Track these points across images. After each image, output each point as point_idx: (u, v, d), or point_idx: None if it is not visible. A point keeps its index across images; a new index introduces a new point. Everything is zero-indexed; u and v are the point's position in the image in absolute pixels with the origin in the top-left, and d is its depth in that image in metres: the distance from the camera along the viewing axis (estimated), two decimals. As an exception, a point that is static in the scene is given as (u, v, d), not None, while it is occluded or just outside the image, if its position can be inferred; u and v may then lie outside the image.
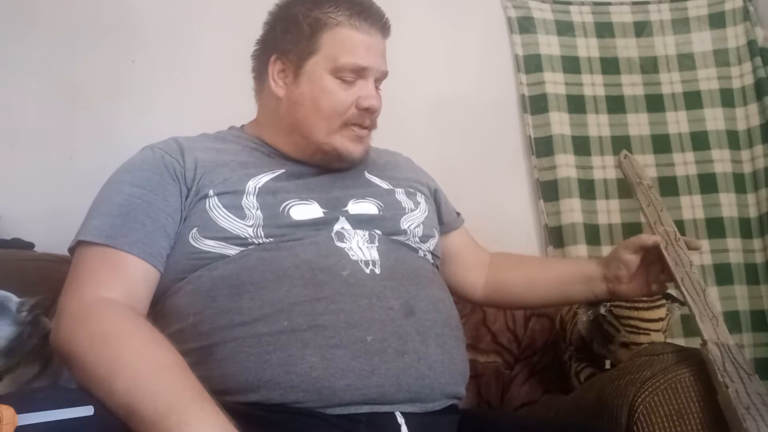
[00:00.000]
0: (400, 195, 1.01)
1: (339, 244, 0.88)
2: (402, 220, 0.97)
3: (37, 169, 1.54)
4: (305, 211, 0.92)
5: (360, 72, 0.96)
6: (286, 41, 0.98)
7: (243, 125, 1.07)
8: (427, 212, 1.02)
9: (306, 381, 0.77)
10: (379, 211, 0.96)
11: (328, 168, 0.99)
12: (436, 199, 1.11)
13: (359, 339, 0.79)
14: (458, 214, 1.19)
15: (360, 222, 0.93)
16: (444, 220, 1.12)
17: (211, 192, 0.90)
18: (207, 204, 0.89)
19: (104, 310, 0.78)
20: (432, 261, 1.00)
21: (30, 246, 1.39)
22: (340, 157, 0.97)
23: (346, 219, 0.92)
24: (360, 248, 0.89)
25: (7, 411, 0.54)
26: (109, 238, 0.84)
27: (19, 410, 0.56)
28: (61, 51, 1.61)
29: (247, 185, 0.91)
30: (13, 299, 0.97)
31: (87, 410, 0.60)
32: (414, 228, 0.97)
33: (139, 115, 1.61)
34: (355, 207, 0.95)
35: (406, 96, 1.71)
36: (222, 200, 0.89)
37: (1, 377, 0.91)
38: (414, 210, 1.00)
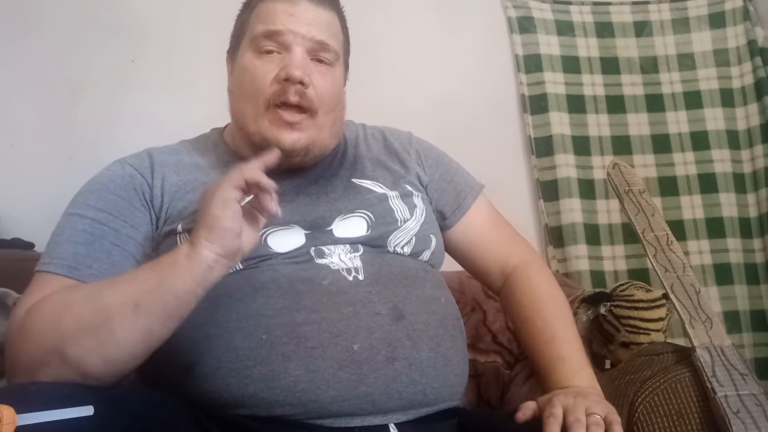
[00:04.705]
0: (395, 200, 0.93)
1: (319, 261, 0.83)
2: (390, 239, 0.89)
3: (37, 169, 1.55)
4: (285, 238, 0.85)
5: (278, 39, 0.87)
6: (231, 38, 0.96)
7: (225, 127, 1.01)
8: (423, 217, 0.94)
9: (291, 395, 0.74)
10: (368, 229, 0.88)
11: (290, 169, 0.90)
12: (428, 193, 1.01)
13: (345, 348, 0.76)
14: (464, 199, 1.03)
15: (344, 242, 0.87)
16: (439, 217, 1.02)
17: (179, 227, 0.84)
18: (178, 242, 0.83)
19: (44, 299, 0.75)
20: (426, 260, 0.94)
21: (30, 246, 1.39)
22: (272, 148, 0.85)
23: (331, 243, 0.86)
24: (342, 260, 0.84)
25: (7, 411, 0.54)
26: (71, 270, 0.79)
27: (19, 410, 0.55)
28: (61, 51, 1.61)
29: None
30: (12, 295, 0.97)
31: (87, 410, 0.60)
32: (402, 247, 0.89)
33: (140, 115, 1.61)
34: (342, 226, 0.88)
35: (405, 95, 1.71)
36: None
37: None
38: (408, 220, 0.91)
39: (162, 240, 0.85)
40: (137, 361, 0.72)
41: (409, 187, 0.96)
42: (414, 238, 0.91)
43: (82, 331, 0.69)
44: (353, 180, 0.94)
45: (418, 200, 0.95)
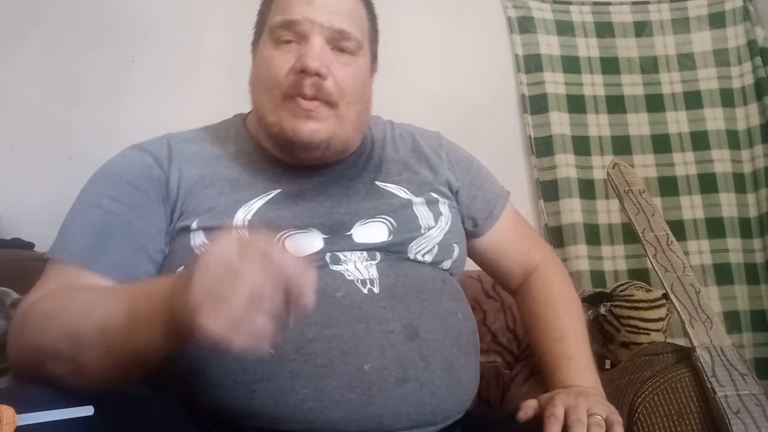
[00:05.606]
0: (420, 207, 0.89)
1: (334, 267, 0.80)
2: (411, 246, 0.85)
3: (37, 169, 1.55)
4: (302, 242, 0.81)
5: (295, 29, 0.83)
6: (254, 29, 0.93)
7: (248, 114, 0.96)
8: (448, 225, 0.90)
9: (297, 413, 0.72)
10: (389, 235, 0.85)
11: (312, 165, 0.87)
12: (459, 199, 0.97)
13: (355, 368, 0.73)
14: (494, 207, 1.01)
15: (363, 248, 0.83)
16: (470, 224, 0.99)
17: (194, 224, 0.80)
18: (192, 240, 0.80)
19: (41, 300, 0.71)
20: (446, 268, 0.91)
21: (30, 246, 1.39)
22: (290, 140, 0.83)
23: (349, 249, 0.82)
24: (357, 268, 0.80)
25: (7, 411, 0.54)
26: (83, 259, 0.77)
27: (19, 410, 0.55)
28: (61, 51, 1.61)
29: (236, 217, 0.81)
30: (12, 295, 0.97)
31: (87, 410, 0.60)
32: (423, 255, 0.86)
33: (140, 115, 1.61)
34: (362, 232, 0.84)
35: (405, 95, 1.71)
36: (209, 237, 0.80)
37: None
38: (432, 228, 0.88)
39: (176, 235, 0.82)
40: (126, 380, 0.66)
41: (434, 194, 0.92)
42: (437, 246, 0.87)
43: (58, 358, 0.65)
44: (377, 183, 0.90)
45: (444, 207, 0.92)
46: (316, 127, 0.83)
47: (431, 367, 0.77)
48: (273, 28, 0.85)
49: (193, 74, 1.65)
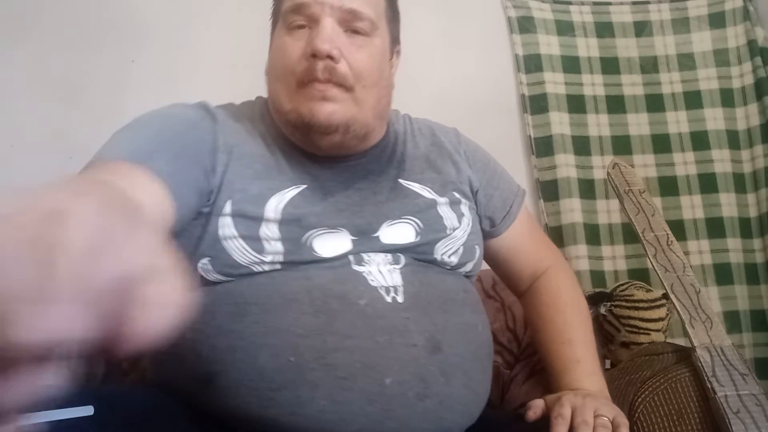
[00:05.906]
0: (444, 208, 0.87)
1: (356, 267, 0.77)
2: (437, 246, 0.83)
3: (37, 169, 1.55)
4: (331, 242, 0.78)
5: (306, 12, 0.80)
6: (271, 18, 0.90)
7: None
8: (470, 227, 0.88)
9: (313, 424, 0.70)
10: (416, 236, 0.82)
11: (328, 153, 0.84)
12: (477, 199, 0.95)
13: (376, 381, 0.71)
14: (510, 207, 0.99)
15: (390, 249, 0.81)
16: (488, 224, 0.97)
17: (227, 207, 0.76)
18: (221, 229, 0.76)
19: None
20: (466, 275, 0.90)
21: (30, 246, 1.39)
22: (307, 124, 0.79)
23: (376, 250, 0.80)
24: (380, 272, 0.78)
25: (7, 411, 0.54)
26: (134, 158, 0.68)
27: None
28: (61, 51, 1.61)
29: (267, 207, 0.77)
30: None
31: (87, 410, 0.59)
32: (449, 256, 0.84)
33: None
34: (389, 232, 0.82)
35: (405, 95, 1.70)
36: (238, 227, 0.76)
37: None
38: (456, 229, 0.86)
39: (209, 211, 0.76)
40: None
41: (457, 195, 0.90)
42: (462, 248, 0.86)
43: None
44: (400, 181, 0.88)
45: (465, 209, 0.90)
46: (332, 108, 0.79)
47: (451, 383, 0.76)
48: (285, 13, 0.82)
49: (193, 74, 1.65)
